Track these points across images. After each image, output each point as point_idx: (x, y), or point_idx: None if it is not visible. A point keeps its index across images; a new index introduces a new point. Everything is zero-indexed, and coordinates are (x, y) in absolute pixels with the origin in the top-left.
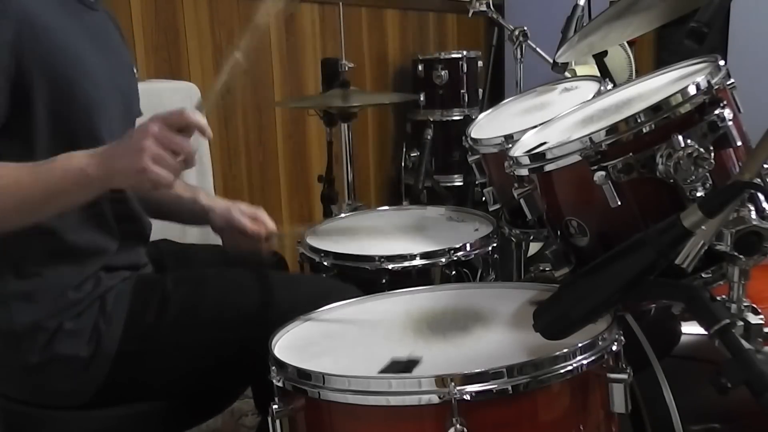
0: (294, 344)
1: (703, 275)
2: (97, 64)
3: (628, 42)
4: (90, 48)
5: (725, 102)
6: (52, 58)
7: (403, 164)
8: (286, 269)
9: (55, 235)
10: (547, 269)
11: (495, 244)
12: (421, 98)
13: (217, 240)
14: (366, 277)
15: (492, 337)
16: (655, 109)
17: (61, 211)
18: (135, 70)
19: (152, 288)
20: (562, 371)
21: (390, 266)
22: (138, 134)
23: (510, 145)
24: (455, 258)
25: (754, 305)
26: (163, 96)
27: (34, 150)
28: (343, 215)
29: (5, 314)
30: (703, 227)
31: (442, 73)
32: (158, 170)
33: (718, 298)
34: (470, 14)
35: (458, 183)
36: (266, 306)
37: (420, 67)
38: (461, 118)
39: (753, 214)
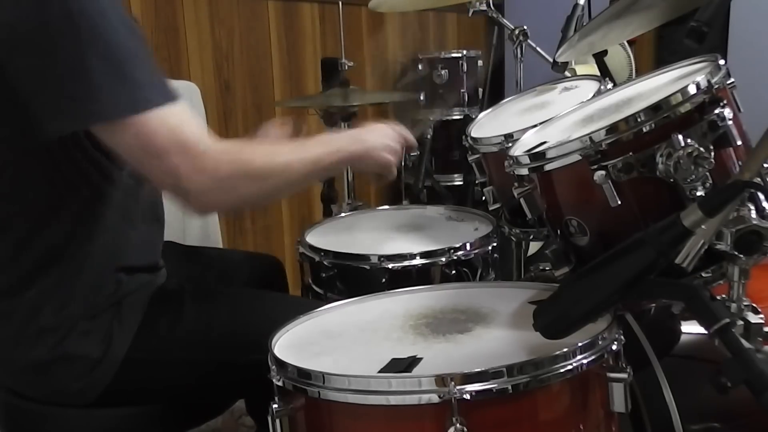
0: (294, 344)
1: (703, 274)
2: None
3: (628, 41)
4: None
5: (725, 101)
6: None
7: (403, 164)
8: (283, 272)
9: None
10: (547, 269)
11: (495, 244)
12: (421, 97)
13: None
14: (366, 277)
15: (492, 336)
16: (655, 108)
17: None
18: None
19: (169, 301)
20: (562, 370)
21: (390, 266)
22: (383, 127)
23: (510, 145)
24: (455, 257)
25: (754, 304)
26: None
27: None
28: (343, 214)
29: (27, 313)
30: (703, 226)
31: (442, 72)
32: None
33: (718, 297)
34: (470, 13)
35: (458, 182)
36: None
37: (420, 67)
38: (461, 117)
39: (753, 214)
